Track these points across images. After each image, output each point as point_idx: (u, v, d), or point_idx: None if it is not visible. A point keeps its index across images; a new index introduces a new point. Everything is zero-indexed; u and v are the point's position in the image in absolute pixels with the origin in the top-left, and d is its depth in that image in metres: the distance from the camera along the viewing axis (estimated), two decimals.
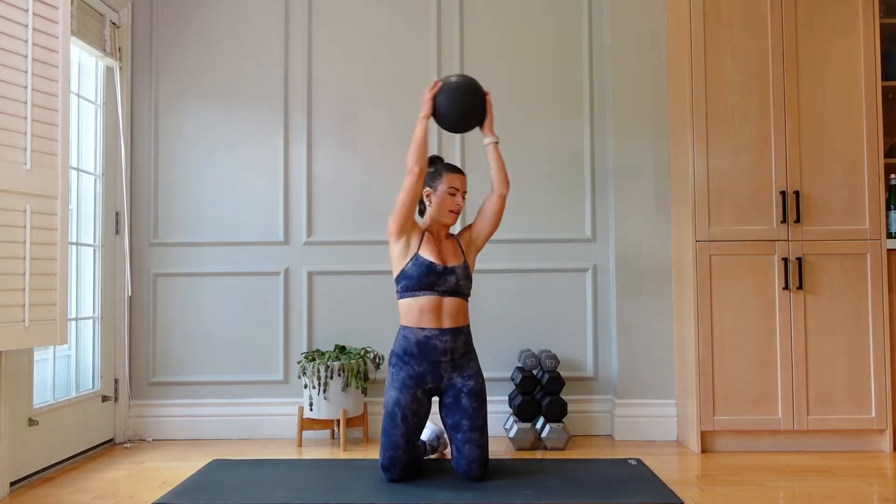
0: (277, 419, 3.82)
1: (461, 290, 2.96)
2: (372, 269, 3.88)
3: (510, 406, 3.70)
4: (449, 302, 2.94)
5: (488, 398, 3.76)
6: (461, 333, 2.96)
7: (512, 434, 3.55)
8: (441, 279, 2.93)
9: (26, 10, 2.77)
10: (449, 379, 2.95)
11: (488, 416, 3.71)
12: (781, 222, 3.46)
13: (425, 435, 3.31)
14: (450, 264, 2.96)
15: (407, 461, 2.93)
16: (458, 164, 3.91)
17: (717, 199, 3.48)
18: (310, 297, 3.91)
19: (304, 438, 3.74)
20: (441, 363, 2.93)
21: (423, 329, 2.92)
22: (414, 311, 2.94)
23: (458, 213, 3.06)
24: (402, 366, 2.95)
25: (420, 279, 2.92)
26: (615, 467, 3.16)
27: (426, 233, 3.04)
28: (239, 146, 3.94)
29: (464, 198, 3.07)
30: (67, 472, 3.23)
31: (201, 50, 3.97)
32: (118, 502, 2.78)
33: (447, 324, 2.93)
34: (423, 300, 2.93)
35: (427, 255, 2.95)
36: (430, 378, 2.94)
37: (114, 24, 3.79)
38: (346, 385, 3.56)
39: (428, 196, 3.07)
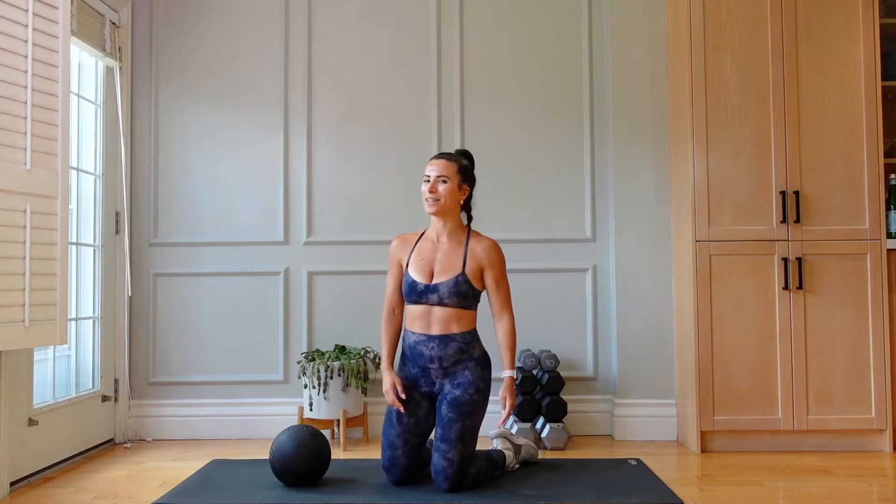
0: (277, 419, 3.81)
1: (447, 305, 2.85)
2: (372, 269, 3.88)
3: None
4: (439, 310, 2.87)
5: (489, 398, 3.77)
6: (452, 341, 2.85)
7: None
8: (423, 297, 2.88)
9: (26, 10, 2.77)
10: (440, 385, 2.89)
11: (491, 415, 3.71)
12: (781, 222, 3.46)
13: (497, 443, 3.17)
14: (431, 281, 2.88)
15: (408, 464, 2.89)
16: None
17: (717, 199, 3.48)
18: (310, 297, 3.91)
19: None
20: (430, 370, 2.89)
21: (413, 333, 2.91)
22: (409, 315, 2.95)
23: (430, 202, 2.88)
24: (401, 367, 2.98)
25: (408, 295, 2.92)
26: (615, 467, 3.16)
27: (419, 243, 2.96)
28: (239, 146, 3.94)
29: (443, 183, 2.88)
30: (67, 472, 3.23)
31: (201, 50, 3.97)
32: (118, 502, 2.78)
33: (435, 331, 2.86)
34: (414, 308, 2.92)
35: (413, 271, 2.91)
36: (423, 382, 2.91)
37: (114, 24, 3.79)
38: (346, 385, 3.57)
39: None
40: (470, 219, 3.04)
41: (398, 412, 2.89)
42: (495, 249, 2.92)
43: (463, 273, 2.86)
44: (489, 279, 2.90)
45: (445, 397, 2.85)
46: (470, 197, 3.00)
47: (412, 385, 2.92)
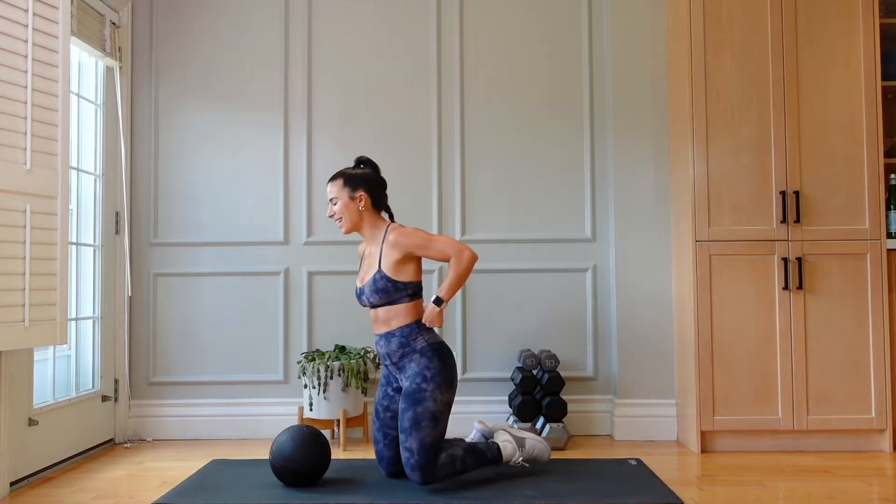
0: (277, 419, 3.81)
1: (374, 304, 2.93)
2: None
3: (510, 406, 3.70)
4: (377, 310, 2.96)
5: (488, 398, 3.79)
6: (393, 337, 2.92)
7: None
8: (360, 301, 3.01)
9: (26, 10, 2.77)
10: (400, 381, 2.97)
11: (491, 415, 3.73)
12: (781, 222, 3.46)
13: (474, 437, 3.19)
14: (360, 284, 2.98)
15: (391, 456, 2.97)
16: (458, 165, 3.92)
17: (717, 199, 3.48)
18: (310, 297, 3.91)
19: None
20: (388, 367, 3.00)
21: (375, 334, 3.03)
22: None
23: (339, 225, 3.00)
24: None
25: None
26: (615, 467, 3.16)
27: (366, 250, 3.07)
28: (239, 146, 3.94)
29: (335, 204, 2.98)
30: (67, 472, 3.23)
31: (201, 50, 3.96)
32: (118, 502, 2.78)
33: (380, 329, 2.96)
34: (370, 311, 3.02)
35: (357, 278, 3.05)
36: (392, 378, 3.02)
37: (114, 24, 3.79)
38: (346, 385, 3.57)
39: None
40: (391, 216, 3.08)
41: (376, 408, 3.02)
42: (401, 234, 2.90)
43: (379, 270, 2.91)
44: (420, 254, 2.91)
45: (400, 390, 2.96)
46: (379, 198, 3.02)
47: (387, 381, 3.03)
